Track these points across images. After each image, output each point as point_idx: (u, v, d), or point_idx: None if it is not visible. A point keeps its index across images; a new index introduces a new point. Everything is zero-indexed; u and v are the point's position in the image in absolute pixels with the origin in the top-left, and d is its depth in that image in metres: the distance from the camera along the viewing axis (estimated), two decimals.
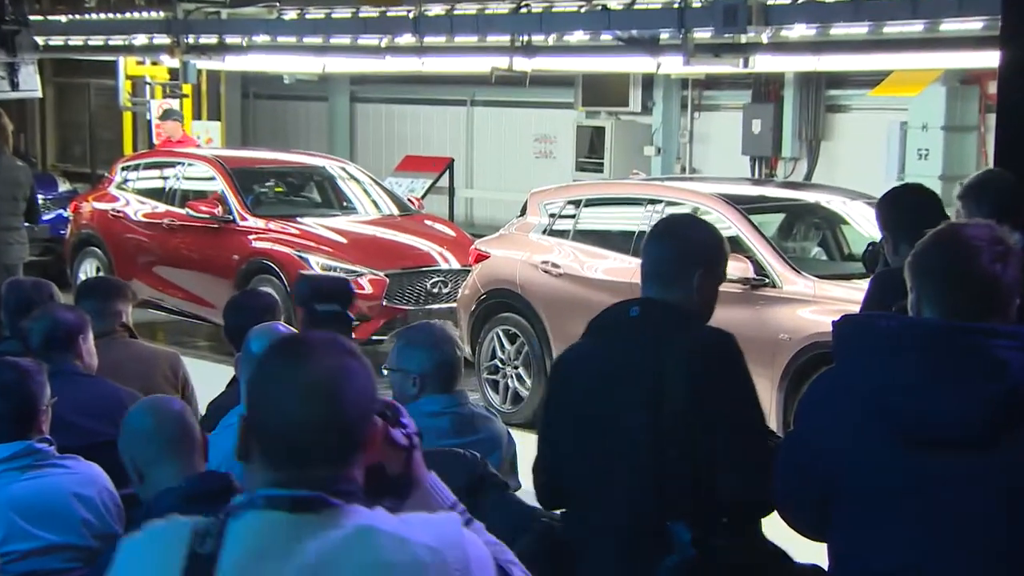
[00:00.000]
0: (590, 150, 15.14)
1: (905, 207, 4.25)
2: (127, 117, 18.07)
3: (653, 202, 9.08)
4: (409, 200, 12.92)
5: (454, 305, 10.36)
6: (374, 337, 10.71)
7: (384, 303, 10.67)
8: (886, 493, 2.68)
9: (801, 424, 2.89)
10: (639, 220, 9.10)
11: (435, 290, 10.88)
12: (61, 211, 14.50)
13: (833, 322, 2.82)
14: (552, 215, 9.83)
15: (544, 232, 9.80)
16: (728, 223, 8.70)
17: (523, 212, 10.17)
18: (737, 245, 8.57)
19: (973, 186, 4.51)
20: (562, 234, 9.68)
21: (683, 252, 3.43)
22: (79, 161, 20.93)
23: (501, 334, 9.72)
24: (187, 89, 16.65)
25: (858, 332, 2.77)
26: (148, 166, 12.93)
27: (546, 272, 9.47)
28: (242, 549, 1.99)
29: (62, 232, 13.66)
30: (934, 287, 2.73)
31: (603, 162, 14.94)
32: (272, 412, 2.04)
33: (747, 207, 8.83)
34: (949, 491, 2.63)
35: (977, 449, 2.60)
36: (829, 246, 9.14)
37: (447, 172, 15.46)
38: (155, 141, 15.99)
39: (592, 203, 9.72)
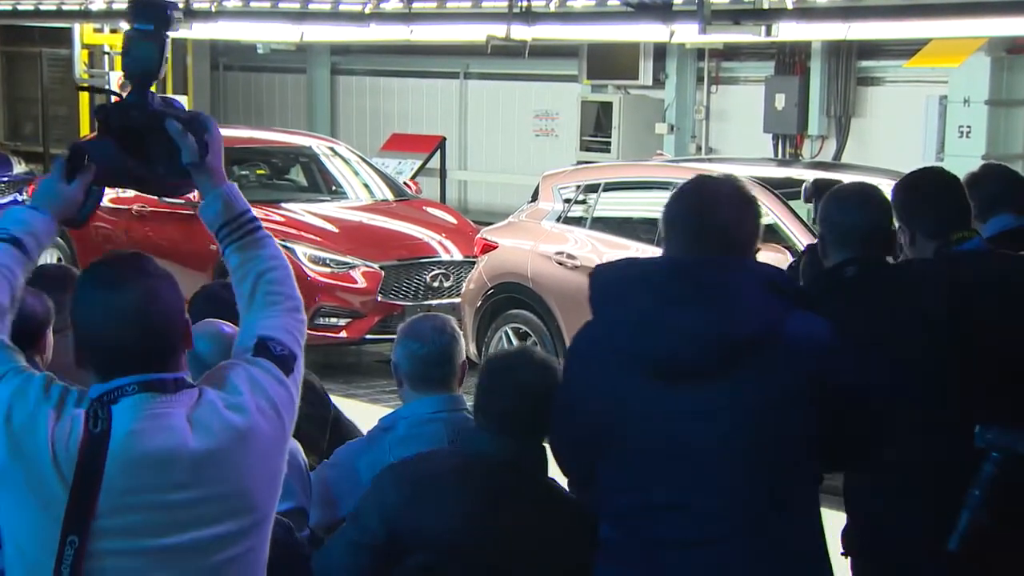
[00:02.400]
0: (596, 127, 15.05)
1: (922, 195, 4.16)
2: None
3: (676, 185, 8.88)
4: (405, 184, 12.75)
5: (457, 300, 10.22)
6: (368, 336, 10.56)
7: (379, 298, 10.51)
8: (634, 430, 3.10)
9: (566, 373, 3.33)
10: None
11: (435, 284, 10.72)
12: (16, 195, 14.32)
13: (589, 274, 3.25)
14: (567, 200, 9.67)
15: (558, 219, 9.66)
16: (764, 209, 8.53)
17: (534, 197, 10.00)
18: (774, 234, 8.42)
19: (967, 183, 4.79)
20: (578, 221, 9.53)
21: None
22: (30, 139, 20.70)
23: (510, 332, 9.57)
24: None
25: (606, 279, 3.22)
26: None
27: (560, 264, 9.31)
28: (128, 427, 2.61)
29: None
30: (677, 235, 3.19)
31: (610, 141, 14.84)
32: (96, 335, 2.68)
33: (785, 192, 8.67)
34: (683, 421, 3.05)
35: (710, 378, 3.03)
36: None
37: (438, 152, 15.34)
38: None
39: (612, 187, 9.55)
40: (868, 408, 3.21)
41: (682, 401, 3.06)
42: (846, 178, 9.57)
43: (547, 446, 3.58)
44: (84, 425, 2.60)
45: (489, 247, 9.86)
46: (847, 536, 3.90)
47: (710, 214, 3.16)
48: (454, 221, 11.70)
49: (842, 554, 3.87)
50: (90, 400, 2.65)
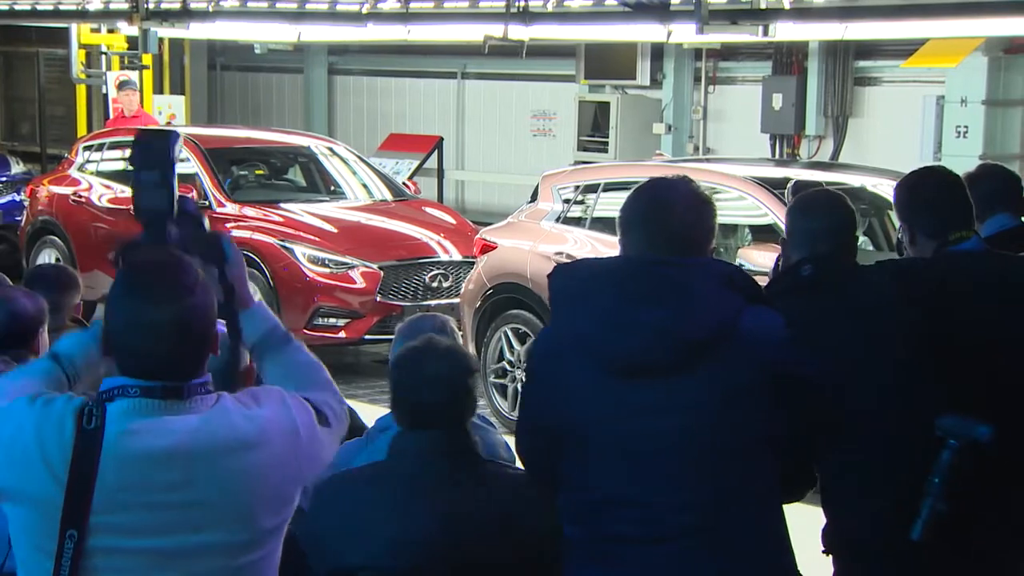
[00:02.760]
0: (593, 127, 14.96)
1: (923, 195, 4.20)
2: (81, 91, 17.76)
3: None
4: (404, 184, 12.68)
5: (456, 301, 10.15)
6: (367, 336, 10.50)
7: (378, 298, 10.44)
8: (595, 427, 3.14)
9: (528, 374, 3.37)
10: None
11: (434, 284, 10.65)
12: (15, 195, 14.25)
13: (548, 275, 3.29)
14: (566, 201, 9.61)
15: (558, 220, 9.59)
16: (764, 209, 8.53)
17: (534, 197, 9.94)
18: (774, 234, 8.38)
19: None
20: (578, 222, 9.47)
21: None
22: (27, 139, 20.54)
23: (510, 333, 9.48)
24: (147, 60, 16.35)
25: (566, 279, 3.25)
26: (113, 146, 12.62)
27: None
28: (123, 426, 2.62)
29: (17, 219, 13.40)
30: (635, 236, 3.25)
31: (608, 141, 14.75)
32: (129, 345, 2.70)
33: (784, 192, 8.60)
34: (643, 418, 3.09)
35: (670, 375, 3.09)
36: (876, 234, 8.96)
37: (435, 152, 15.24)
38: (112, 117, 15.68)
39: (612, 187, 9.45)
40: (824, 399, 3.29)
41: (642, 398, 3.11)
42: (840, 178, 9.58)
43: (470, 432, 3.58)
44: (77, 423, 2.62)
45: (488, 247, 9.78)
46: (827, 535, 3.95)
47: (667, 215, 3.23)
48: (453, 221, 11.61)
49: (823, 552, 3.95)
50: (89, 395, 2.70)
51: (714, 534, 3.13)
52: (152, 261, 2.80)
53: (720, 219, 9.31)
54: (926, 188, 4.21)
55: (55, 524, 2.59)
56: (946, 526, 3.65)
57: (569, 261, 3.38)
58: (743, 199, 8.68)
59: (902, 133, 12.84)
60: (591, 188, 9.53)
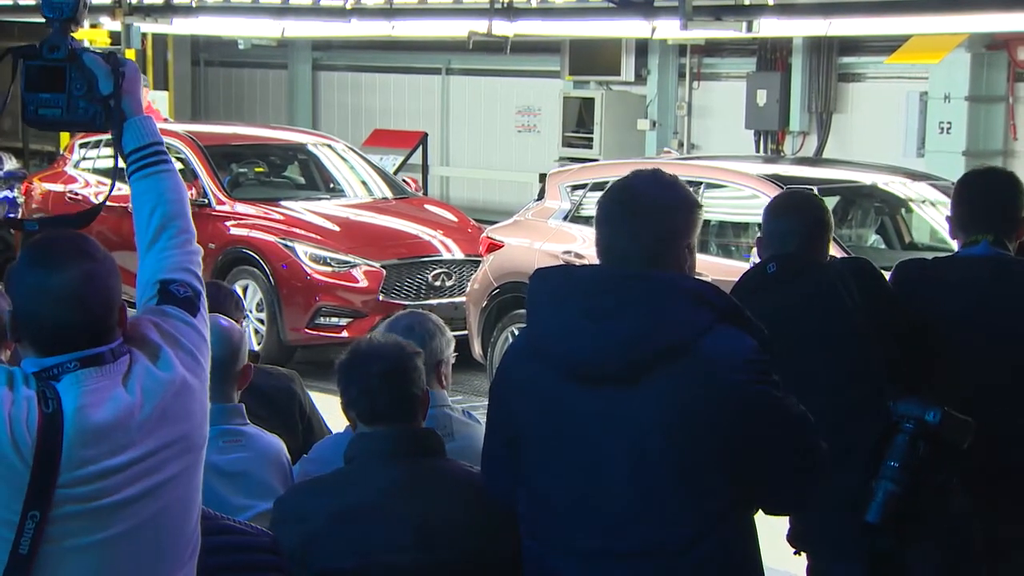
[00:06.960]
0: (578, 123, 14.87)
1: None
2: None
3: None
4: (405, 182, 12.37)
5: (458, 300, 9.90)
6: None
7: (380, 297, 10.15)
8: (550, 431, 3.04)
9: (494, 380, 3.28)
10: None
11: (437, 283, 10.36)
12: (9, 192, 13.95)
13: (529, 279, 3.17)
14: (575, 199, 9.33)
15: (566, 218, 9.33)
16: None
17: (541, 195, 9.67)
18: None
19: None
20: (587, 220, 9.18)
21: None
22: (9, 135, 20.15)
23: (516, 332, 9.21)
24: (130, 55, 15.98)
25: (539, 284, 3.12)
26: (109, 143, 12.27)
27: (569, 264, 8.97)
28: (77, 401, 2.60)
29: (11, 215, 13.09)
30: (608, 235, 3.08)
31: (592, 137, 14.62)
32: (35, 316, 2.66)
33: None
34: (598, 427, 2.98)
35: (624, 385, 2.95)
36: (888, 233, 8.77)
37: (420, 148, 15.02)
38: None
39: None
40: (798, 428, 3.05)
41: (600, 407, 3.00)
42: (851, 175, 9.38)
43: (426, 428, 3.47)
44: (38, 407, 2.60)
45: (495, 246, 9.52)
46: (792, 533, 3.98)
47: (635, 218, 3.08)
48: (455, 219, 11.35)
49: (794, 554, 4.02)
50: (29, 375, 2.65)
51: (675, 551, 2.98)
52: (52, 236, 2.79)
53: (732, 217, 9.14)
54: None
55: (20, 497, 2.57)
56: (901, 508, 3.69)
57: (547, 267, 3.24)
58: (756, 197, 8.44)
59: (886, 129, 12.80)
60: (599, 186, 9.25)
